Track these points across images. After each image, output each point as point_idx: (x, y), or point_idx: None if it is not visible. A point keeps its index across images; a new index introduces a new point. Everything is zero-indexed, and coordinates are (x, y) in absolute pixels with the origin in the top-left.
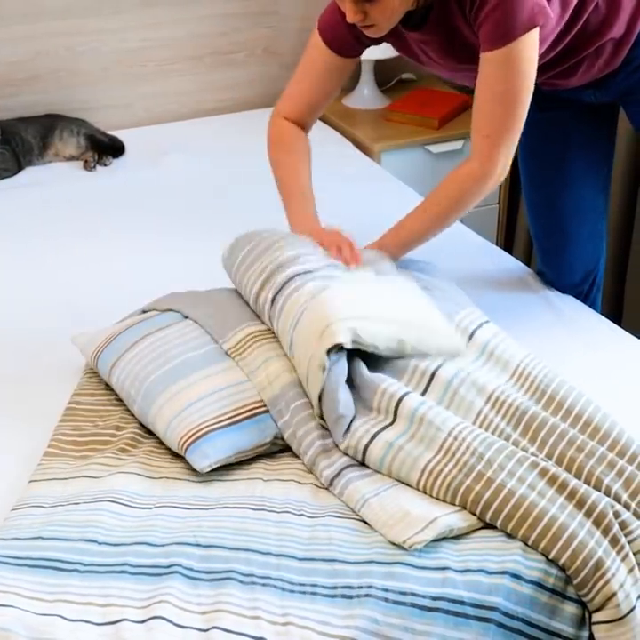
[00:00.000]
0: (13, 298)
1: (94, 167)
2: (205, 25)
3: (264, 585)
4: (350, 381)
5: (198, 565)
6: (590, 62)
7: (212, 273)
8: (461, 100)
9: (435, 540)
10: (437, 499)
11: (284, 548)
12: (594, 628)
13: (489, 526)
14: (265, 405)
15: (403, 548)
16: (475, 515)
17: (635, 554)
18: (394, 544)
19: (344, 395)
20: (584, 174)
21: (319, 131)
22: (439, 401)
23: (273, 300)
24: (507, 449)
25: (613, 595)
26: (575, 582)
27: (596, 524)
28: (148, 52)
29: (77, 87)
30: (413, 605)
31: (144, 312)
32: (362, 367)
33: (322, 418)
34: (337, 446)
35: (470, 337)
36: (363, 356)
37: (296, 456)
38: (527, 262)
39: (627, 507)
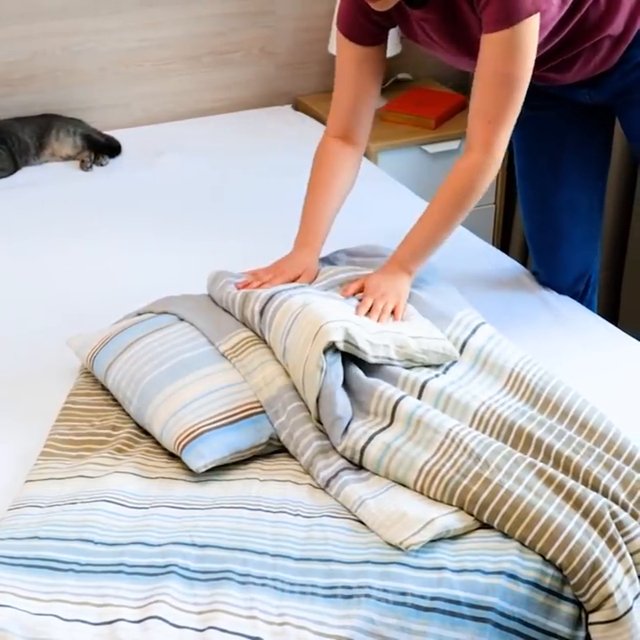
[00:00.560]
0: (9, 298)
1: (91, 167)
2: (202, 25)
3: (260, 585)
4: (346, 386)
5: (194, 565)
6: (587, 58)
7: (208, 273)
8: (458, 100)
9: (431, 541)
10: (434, 499)
11: (281, 548)
12: (591, 628)
13: (485, 526)
14: (261, 406)
15: (399, 549)
16: (472, 515)
17: (632, 554)
18: (390, 545)
19: (341, 397)
20: (578, 174)
21: (315, 131)
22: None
23: (261, 311)
24: (504, 450)
25: (610, 595)
26: (572, 583)
27: (594, 524)
28: (145, 51)
29: (74, 87)
30: (410, 605)
31: (139, 315)
32: (358, 371)
33: (319, 421)
34: (334, 448)
35: (466, 341)
36: (356, 364)
37: (292, 457)
38: (523, 262)
39: (624, 507)
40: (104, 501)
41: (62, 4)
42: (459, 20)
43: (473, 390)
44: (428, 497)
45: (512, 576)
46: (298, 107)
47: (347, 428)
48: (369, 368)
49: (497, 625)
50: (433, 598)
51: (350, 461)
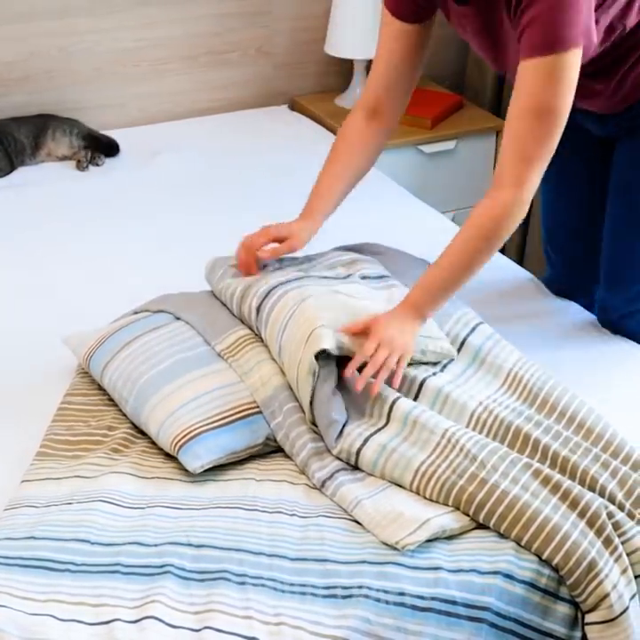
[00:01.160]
0: (5, 297)
1: (87, 167)
2: (199, 25)
3: (256, 585)
4: (341, 386)
5: (191, 565)
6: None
7: (206, 261)
8: (454, 100)
9: (427, 541)
10: (431, 500)
11: (277, 548)
12: (587, 628)
13: (481, 527)
14: (257, 407)
15: (395, 549)
16: (468, 515)
17: (628, 554)
18: (386, 545)
19: (336, 399)
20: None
21: (312, 131)
22: (430, 407)
23: (258, 308)
24: (500, 450)
25: (606, 595)
26: (568, 583)
27: (590, 524)
28: (142, 51)
29: (70, 87)
30: (406, 605)
31: (136, 314)
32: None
33: (313, 423)
34: (329, 450)
35: (465, 339)
36: None
37: (289, 457)
38: (519, 262)
39: (621, 507)
40: (100, 501)
41: (58, 4)
42: (496, 26)
43: (470, 390)
44: (424, 497)
45: (508, 576)
46: (294, 107)
47: (342, 431)
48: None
49: (493, 625)
50: (429, 598)
51: (346, 463)
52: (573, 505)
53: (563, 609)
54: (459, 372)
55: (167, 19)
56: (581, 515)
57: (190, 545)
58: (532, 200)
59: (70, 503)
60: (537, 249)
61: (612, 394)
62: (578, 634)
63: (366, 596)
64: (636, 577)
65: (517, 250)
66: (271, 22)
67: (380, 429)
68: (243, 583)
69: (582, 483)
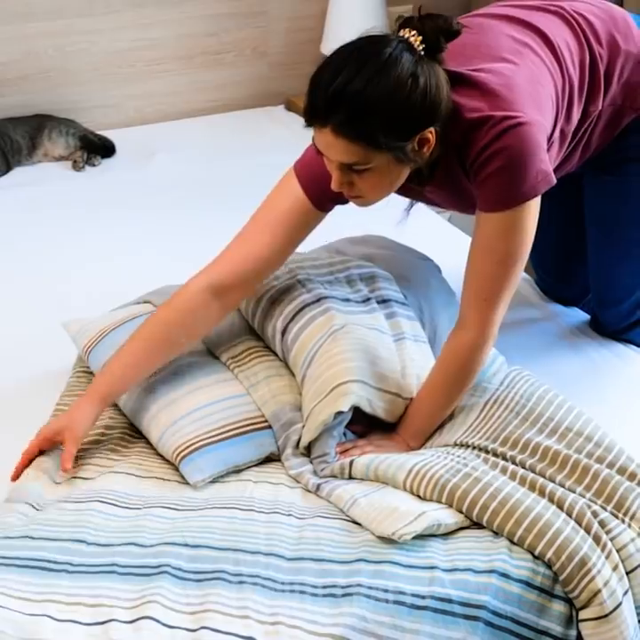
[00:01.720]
0: (2, 297)
1: (83, 167)
2: (195, 25)
3: (253, 584)
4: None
5: (187, 565)
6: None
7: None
8: None
9: (423, 539)
10: (425, 498)
11: (273, 547)
12: (581, 625)
13: (477, 526)
14: (264, 421)
15: (391, 547)
16: (462, 513)
17: (618, 551)
18: (383, 540)
19: (335, 440)
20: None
21: (307, 131)
22: None
23: (283, 330)
24: (489, 461)
25: (599, 591)
26: (561, 578)
27: (578, 522)
28: (138, 52)
29: (67, 87)
30: (402, 604)
31: (138, 303)
32: None
33: (306, 448)
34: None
35: None
36: None
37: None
38: None
39: (603, 509)
40: (97, 502)
41: (55, 4)
42: (464, 190)
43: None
44: (418, 496)
45: (504, 575)
46: (290, 107)
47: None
48: None
49: (489, 623)
50: (425, 597)
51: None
52: (560, 505)
53: (558, 607)
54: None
55: (163, 19)
56: (568, 514)
57: (186, 545)
58: None
59: (67, 503)
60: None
61: (609, 396)
62: (573, 632)
63: (362, 595)
64: (627, 573)
65: None
66: (267, 22)
67: None
68: (239, 583)
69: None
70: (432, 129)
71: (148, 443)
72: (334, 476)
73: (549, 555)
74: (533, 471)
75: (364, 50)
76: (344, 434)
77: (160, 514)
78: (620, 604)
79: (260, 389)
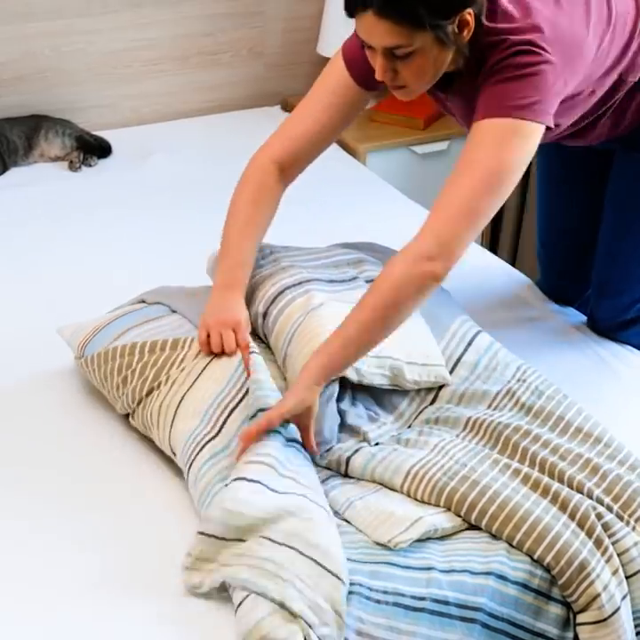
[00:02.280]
0: None
1: (79, 167)
2: (191, 25)
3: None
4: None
5: None
6: (603, 124)
7: (198, 273)
8: None
9: (420, 541)
10: (422, 501)
11: None
12: (578, 629)
13: (474, 528)
14: None
15: (388, 548)
16: (460, 516)
17: (619, 555)
18: (379, 545)
19: (329, 419)
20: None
21: None
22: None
23: (264, 314)
24: (489, 459)
25: (597, 596)
26: (560, 583)
27: (580, 525)
28: (134, 52)
29: (63, 88)
30: (398, 605)
31: (132, 304)
32: (348, 398)
33: None
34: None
35: (459, 359)
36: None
37: None
38: (512, 263)
39: (609, 509)
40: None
41: (51, 4)
42: (473, 106)
43: (459, 410)
44: (416, 499)
45: (501, 577)
46: (287, 107)
47: (330, 448)
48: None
49: (485, 625)
50: (422, 598)
51: (336, 472)
52: (563, 507)
53: (555, 610)
54: (448, 397)
55: (159, 19)
56: (571, 516)
57: None
58: (527, 200)
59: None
60: (530, 249)
61: (605, 396)
62: (570, 635)
63: (359, 595)
64: (626, 577)
65: (510, 251)
66: (263, 23)
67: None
68: None
69: (570, 487)
70: (471, 10)
71: None
72: (329, 469)
73: (548, 559)
74: (543, 465)
75: None
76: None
77: None
78: (618, 608)
79: None
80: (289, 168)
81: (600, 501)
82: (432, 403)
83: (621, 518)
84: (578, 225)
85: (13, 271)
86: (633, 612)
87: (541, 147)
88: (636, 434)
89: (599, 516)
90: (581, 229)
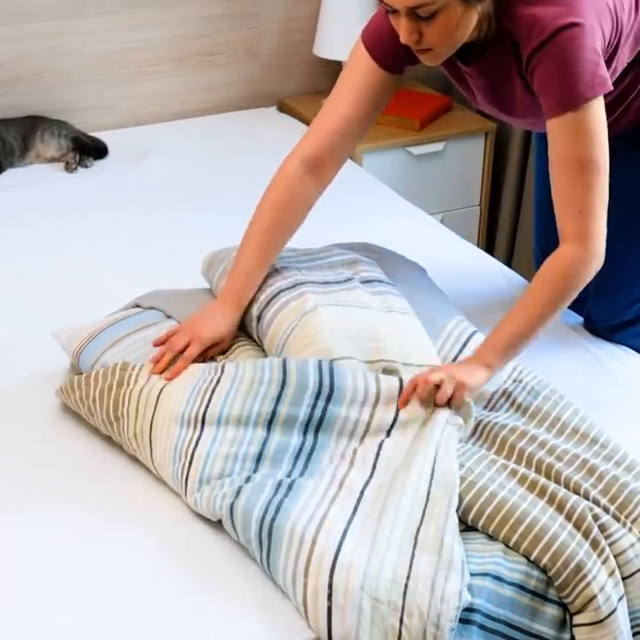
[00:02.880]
0: None
1: (75, 169)
2: (187, 26)
3: None
4: None
5: None
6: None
7: (194, 275)
8: (443, 102)
9: None
10: None
11: None
12: (575, 630)
13: (470, 529)
14: None
15: None
16: None
17: (615, 556)
18: None
19: None
20: None
21: (300, 133)
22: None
23: (258, 317)
24: (486, 460)
25: (594, 597)
26: (556, 584)
27: (577, 527)
28: (130, 53)
29: (59, 88)
30: None
31: (126, 309)
32: None
33: None
34: None
35: (455, 359)
36: None
37: None
38: (508, 264)
39: (606, 510)
40: None
41: (47, 5)
42: (505, 86)
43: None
44: None
45: (497, 578)
46: (283, 108)
47: None
48: None
49: (482, 627)
50: None
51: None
52: (560, 508)
53: (551, 611)
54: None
55: (155, 20)
56: (568, 518)
57: None
58: (523, 201)
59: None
60: (526, 250)
61: (600, 397)
62: (566, 636)
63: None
64: (623, 579)
65: (506, 252)
66: (259, 24)
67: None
68: None
69: (566, 487)
70: None
71: None
72: None
73: (545, 560)
74: (539, 467)
75: None
76: None
77: None
78: (614, 609)
79: None
80: (321, 165)
81: (596, 503)
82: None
83: (618, 520)
84: None
85: (9, 272)
86: (629, 614)
87: (541, 146)
88: (633, 435)
89: (596, 518)
90: None
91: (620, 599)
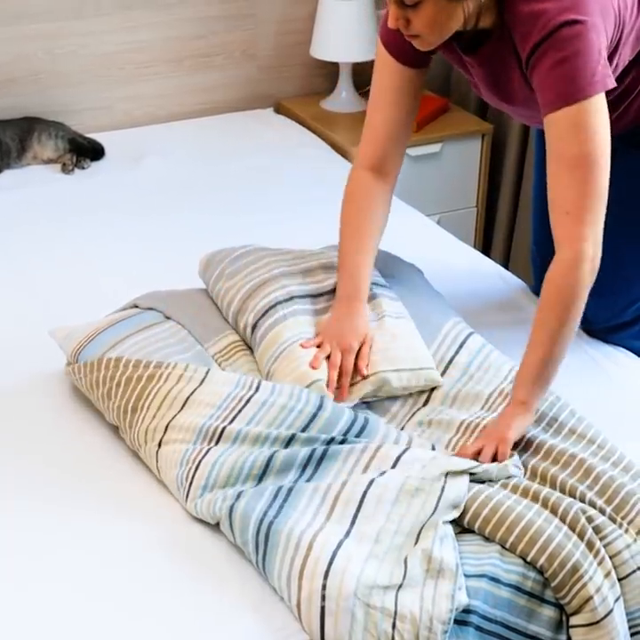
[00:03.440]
0: None
1: (72, 170)
2: (184, 28)
3: None
4: None
5: None
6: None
7: (191, 276)
8: (440, 104)
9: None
10: None
11: None
12: (571, 631)
13: (466, 530)
14: None
15: None
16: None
17: (611, 557)
18: None
19: None
20: None
21: (297, 134)
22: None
23: (254, 326)
24: None
25: (590, 598)
26: (553, 585)
27: (572, 528)
28: (127, 54)
29: (56, 90)
30: None
31: (124, 310)
32: None
33: None
34: None
35: (451, 360)
36: None
37: None
38: (505, 265)
39: (602, 511)
40: None
41: (44, 7)
42: (504, 77)
43: (452, 412)
44: None
45: (494, 579)
46: (279, 110)
47: None
48: None
49: (479, 628)
50: None
51: None
52: (554, 511)
53: (548, 612)
54: (442, 397)
55: (152, 22)
56: (562, 519)
57: None
58: (520, 203)
59: None
60: (523, 252)
61: (597, 398)
62: (563, 637)
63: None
64: (619, 580)
65: (503, 252)
66: (256, 25)
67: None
68: None
69: (562, 491)
70: None
71: None
72: None
73: (541, 561)
74: (534, 471)
75: None
76: None
77: None
78: (611, 610)
79: None
80: (384, 168)
81: (593, 504)
82: (425, 404)
83: (614, 520)
84: None
85: (6, 273)
86: (627, 614)
87: (540, 145)
88: (629, 435)
89: (589, 520)
90: None
91: (617, 600)
